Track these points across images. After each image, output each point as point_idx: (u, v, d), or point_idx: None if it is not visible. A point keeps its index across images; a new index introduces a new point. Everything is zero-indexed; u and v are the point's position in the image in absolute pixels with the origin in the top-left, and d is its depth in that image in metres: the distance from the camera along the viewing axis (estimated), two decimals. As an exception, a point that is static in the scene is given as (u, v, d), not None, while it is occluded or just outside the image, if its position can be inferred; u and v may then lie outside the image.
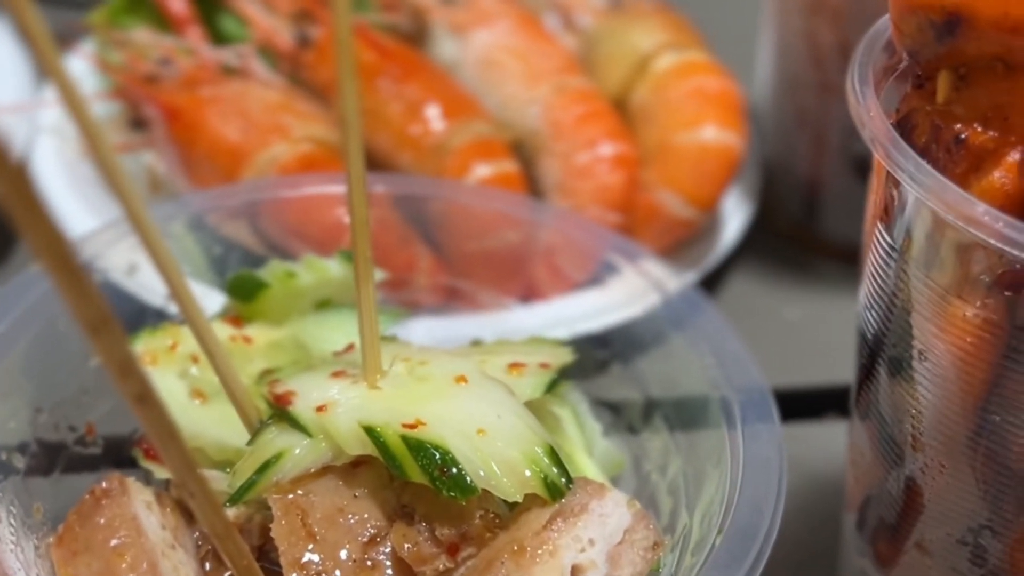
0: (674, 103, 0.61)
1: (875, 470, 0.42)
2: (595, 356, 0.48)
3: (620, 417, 0.46)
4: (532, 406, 0.42)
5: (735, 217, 0.64)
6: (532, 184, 0.61)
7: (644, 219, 0.60)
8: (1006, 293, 0.35)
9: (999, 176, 0.35)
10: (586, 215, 0.59)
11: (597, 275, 0.51)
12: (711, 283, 0.65)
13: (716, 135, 0.60)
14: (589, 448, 0.45)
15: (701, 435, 0.43)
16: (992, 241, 0.34)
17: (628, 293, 0.48)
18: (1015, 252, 0.33)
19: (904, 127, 0.37)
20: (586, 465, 0.43)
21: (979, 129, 0.35)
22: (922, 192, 0.35)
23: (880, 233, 0.39)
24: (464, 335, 0.49)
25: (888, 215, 0.38)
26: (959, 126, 0.36)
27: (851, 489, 0.45)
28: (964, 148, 0.35)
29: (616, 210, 0.59)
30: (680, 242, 0.62)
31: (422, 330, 0.51)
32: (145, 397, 0.24)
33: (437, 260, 0.56)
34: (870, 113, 0.36)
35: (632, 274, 0.49)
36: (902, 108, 0.37)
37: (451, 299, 0.55)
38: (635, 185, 0.60)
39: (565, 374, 0.45)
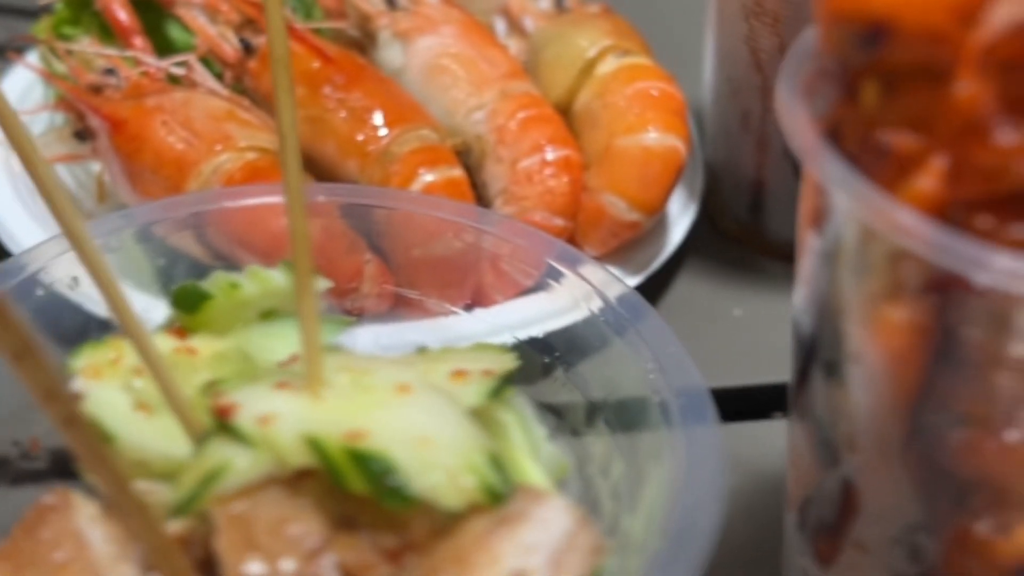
0: (617, 107, 0.62)
1: (813, 470, 0.43)
2: (539, 361, 0.48)
3: (564, 421, 0.47)
4: (477, 413, 0.43)
5: (681, 219, 0.65)
6: (478, 190, 0.61)
7: (590, 223, 0.61)
8: (934, 297, 0.36)
9: (925, 183, 0.35)
10: (532, 220, 0.59)
11: (541, 281, 0.51)
12: (658, 284, 0.65)
13: (659, 138, 0.61)
14: (535, 453, 0.45)
15: (642, 438, 0.43)
16: (919, 247, 0.34)
17: (571, 299, 0.48)
18: (942, 258, 0.34)
19: (833, 135, 0.37)
20: (531, 470, 0.44)
21: (905, 136, 0.36)
22: (850, 200, 0.36)
23: (812, 239, 0.39)
24: (410, 342, 0.49)
25: (819, 222, 0.39)
26: (886, 133, 0.36)
27: (791, 489, 0.46)
28: (891, 155, 0.36)
29: (562, 214, 0.60)
30: (626, 244, 0.63)
31: (368, 338, 0.51)
32: (72, 420, 0.24)
33: (384, 268, 0.57)
34: (798, 122, 0.37)
35: (575, 280, 0.49)
36: (831, 116, 0.38)
37: (398, 306, 0.55)
38: (580, 189, 0.61)
39: (509, 380, 0.45)
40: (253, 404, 0.40)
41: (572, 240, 0.61)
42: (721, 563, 0.47)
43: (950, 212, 0.35)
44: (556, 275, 0.50)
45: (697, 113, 0.70)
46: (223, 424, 0.40)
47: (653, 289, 0.65)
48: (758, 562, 0.51)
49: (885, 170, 0.36)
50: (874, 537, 0.41)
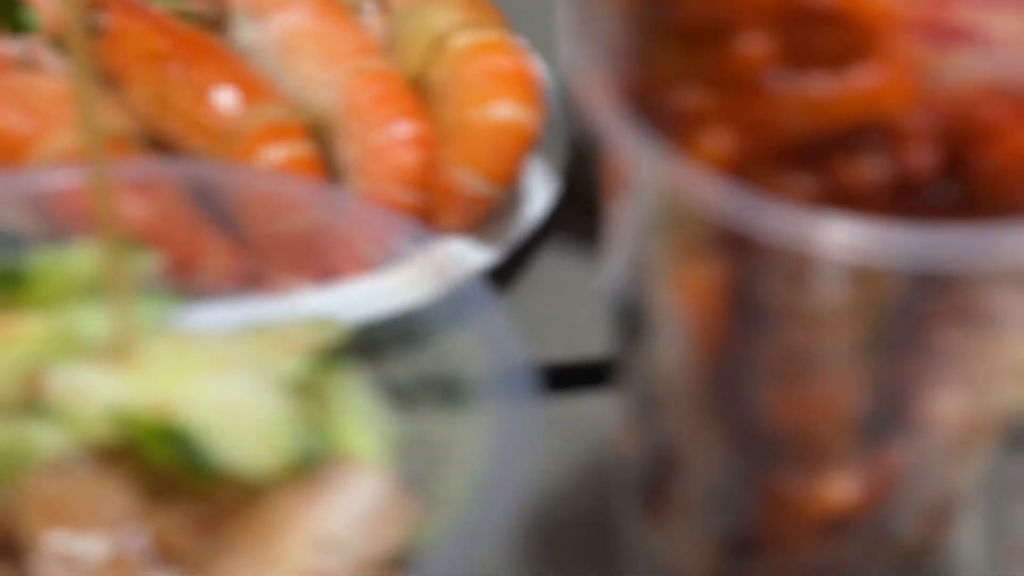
0: (469, 82, 0.62)
1: (636, 432, 0.43)
2: (376, 337, 0.48)
3: (398, 396, 0.47)
4: (305, 385, 0.42)
5: (542, 193, 0.65)
6: (330, 167, 0.61)
7: (443, 198, 0.61)
8: (731, 256, 0.36)
9: (717, 141, 0.36)
10: (383, 196, 0.59)
11: (388, 259, 0.51)
12: (521, 258, 0.65)
13: (510, 112, 0.61)
14: (364, 426, 0.45)
15: (467, 412, 0.43)
16: (710, 207, 0.35)
17: (414, 277, 0.49)
18: (734, 216, 0.34)
19: (628, 96, 0.37)
20: (358, 442, 0.44)
21: (699, 95, 0.36)
22: (643, 162, 0.36)
23: (614, 204, 0.39)
24: (252, 319, 0.49)
25: (618, 185, 0.39)
26: (680, 93, 0.36)
27: (619, 453, 0.46)
28: (684, 115, 0.36)
29: (414, 190, 0.60)
30: (488, 219, 0.62)
31: (210, 315, 0.51)
32: None
33: (230, 245, 0.56)
34: (590, 84, 0.37)
35: (420, 258, 0.49)
36: (626, 77, 0.38)
37: (247, 284, 0.55)
38: (433, 164, 0.61)
39: (343, 354, 0.45)
40: (64, 380, 0.40)
41: (427, 216, 0.61)
42: (560, 530, 0.48)
43: (743, 169, 0.36)
44: (403, 253, 0.50)
45: (563, 88, 0.71)
46: (35, 401, 0.40)
47: (515, 263, 0.65)
48: (597, 528, 0.51)
49: (679, 130, 0.36)
50: (693, 497, 0.42)
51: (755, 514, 0.40)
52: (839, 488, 0.39)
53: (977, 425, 0.39)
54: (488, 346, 0.44)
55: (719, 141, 0.35)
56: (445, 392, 0.45)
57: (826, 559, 0.41)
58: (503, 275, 0.64)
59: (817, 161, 0.34)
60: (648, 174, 0.37)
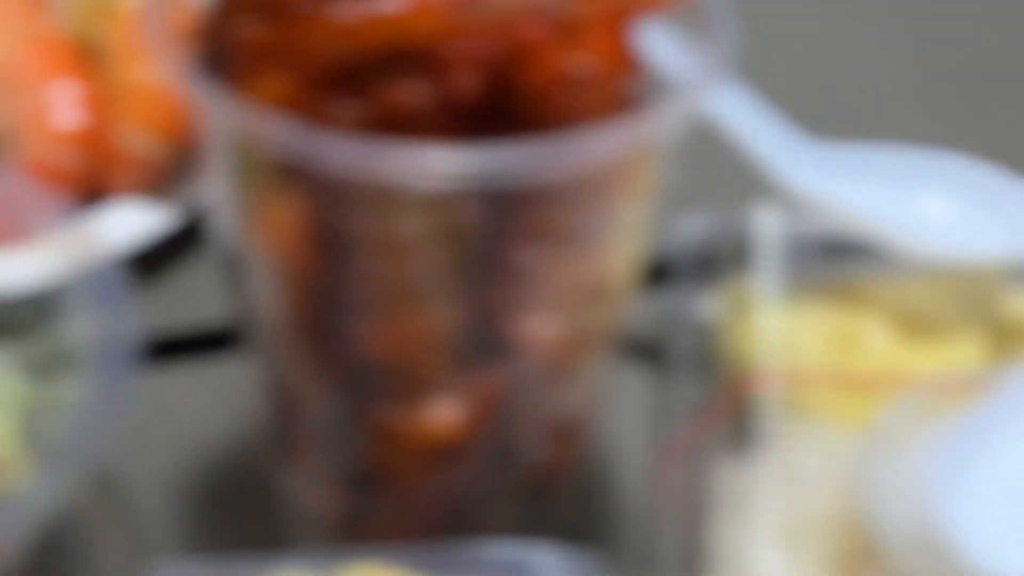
0: (137, 41, 0.60)
1: (261, 378, 0.43)
2: (14, 308, 0.48)
3: (29, 364, 0.46)
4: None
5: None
6: (-7, 134, 0.59)
7: (115, 161, 0.60)
8: (303, 191, 0.36)
9: (273, 76, 0.36)
10: (49, 161, 0.58)
11: (36, 232, 0.50)
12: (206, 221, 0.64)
13: (176, 70, 0.60)
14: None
15: (83, 380, 0.43)
16: (274, 143, 0.35)
17: (56, 252, 0.48)
18: (295, 151, 0.34)
19: (199, 39, 0.37)
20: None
21: (254, 29, 0.36)
22: (208, 104, 0.36)
23: (205, 150, 0.39)
24: None
25: (202, 130, 0.38)
26: (240, 28, 0.36)
27: (254, 400, 0.46)
28: (246, 51, 0.36)
29: (81, 153, 0.59)
30: (161, 182, 0.61)
31: None
32: None
33: None
34: (154, 28, 0.36)
35: (64, 232, 0.48)
36: (201, 19, 0.37)
37: None
38: (102, 128, 0.59)
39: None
40: None
41: (98, 179, 0.59)
42: (218, 484, 0.48)
43: (300, 102, 0.36)
44: (51, 225, 0.49)
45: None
46: None
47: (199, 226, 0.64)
48: (251, 480, 0.51)
49: (241, 69, 0.36)
50: (312, 437, 0.42)
51: (368, 449, 0.41)
52: (440, 415, 0.39)
53: (574, 344, 0.40)
54: (103, 318, 0.44)
55: (275, 75, 0.35)
56: (72, 362, 0.45)
57: (450, 488, 0.42)
58: (187, 239, 0.63)
59: (363, 88, 0.35)
60: (214, 115, 0.37)
